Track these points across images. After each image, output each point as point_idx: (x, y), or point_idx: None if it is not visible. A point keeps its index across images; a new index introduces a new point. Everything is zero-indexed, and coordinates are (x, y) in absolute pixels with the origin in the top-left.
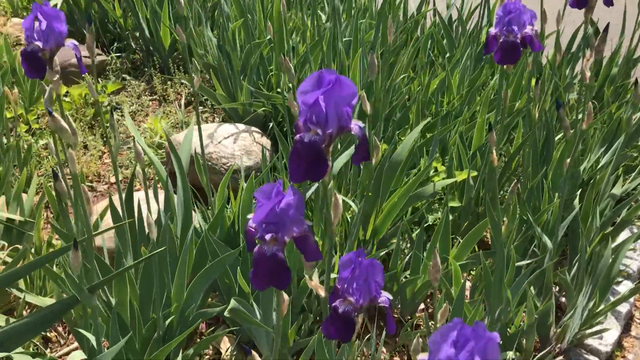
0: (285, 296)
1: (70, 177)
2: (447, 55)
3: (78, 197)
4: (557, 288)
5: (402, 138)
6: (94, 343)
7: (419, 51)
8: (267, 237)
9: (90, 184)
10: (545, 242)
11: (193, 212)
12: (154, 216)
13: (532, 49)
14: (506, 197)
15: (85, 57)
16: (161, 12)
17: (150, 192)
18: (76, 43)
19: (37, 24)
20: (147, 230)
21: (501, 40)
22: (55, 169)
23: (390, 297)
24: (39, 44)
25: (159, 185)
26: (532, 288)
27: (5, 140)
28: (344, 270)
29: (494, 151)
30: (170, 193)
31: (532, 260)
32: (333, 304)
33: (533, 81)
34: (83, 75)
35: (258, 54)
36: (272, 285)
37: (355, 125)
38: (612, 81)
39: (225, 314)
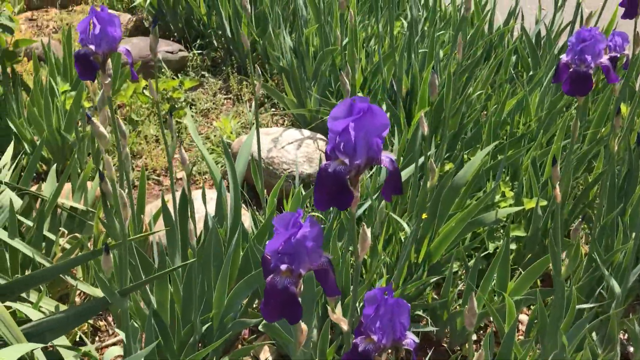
0: (304, 326)
1: (138, 169)
2: (530, 73)
3: (115, 202)
4: (626, 336)
5: (471, 158)
6: (126, 341)
7: (501, 66)
8: (283, 267)
9: (157, 177)
10: (613, 286)
11: (244, 214)
12: (204, 218)
13: (607, 79)
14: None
15: (169, 52)
16: (242, 12)
17: (211, 193)
18: (128, 48)
19: (92, 27)
20: (197, 232)
21: (572, 69)
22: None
23: (417, 340)
24: (92, 47)
25: (211, 186)
26: (594, 334)
27: (81, 129)
28: (369, 307)
29: (557, 187)
30: (223, 196)
31: (597, 305)
32: (354, 341)
33: (624, 108)
34: (163, 70)
35: (330, 61)
36: (283, 317)
37: (386, 157)
38: None
39: (260, 328)
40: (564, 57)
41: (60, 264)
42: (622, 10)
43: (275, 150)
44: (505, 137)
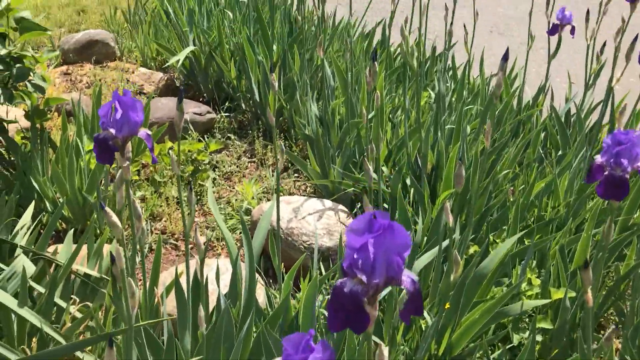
0: None
1: (156, 231)
2: (560, 152)
3: (122, 289)
4: None
5: (497, 241)
6: None
7: (529, 144)
8: None
9: (175, 242)
10: None
11: (260, 287)
12: (221, 292)
13: None
14: (610, 320)
15: (197, 114)
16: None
17: (228, 262)
18: (149, 133)
19: (113, 111)
20: (209, 310)
21: (606, 172)
22: (114, 251)
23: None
24: (113, 131)
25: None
26: None
27: (103, 188)
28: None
29: (589, 292)
30: (238, 274)
31: None
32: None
33: None
34: (190, 132)
35: (355, 132)
36: None
37: (407, 277)
38: None
39: None
40: (598, 158)
41: (67, 345)
42: None
43: (295, 221)
44: (532, 220)
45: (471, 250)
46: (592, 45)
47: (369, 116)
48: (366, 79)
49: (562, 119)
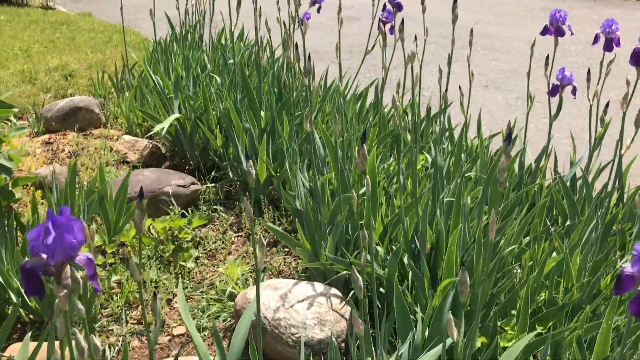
0: None
1: (132, 321)
2: (568, 222)
3: None
4: None
5: (507, 328)
6: None
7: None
8: None
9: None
10: None
11: None
12: None
13: None
14: None
15: (180, 186)
16: (259, 146)
17: None
18: (90, 257)
19: (46, 234)
20: None
21: None
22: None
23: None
24: (44, 256)
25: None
26: None
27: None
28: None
29: None
30: None
31: None
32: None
33: None
34: (172, 207)
35: (347, 207)
36: None
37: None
38: None
39: None
40: (628, 268)
41: None
42: None
43: (282, 310)
44: (543, 303)
45: (478, 343)
46: (597, 105)
47: (360, 192)
48: (356, 160)
49: (568, 184)
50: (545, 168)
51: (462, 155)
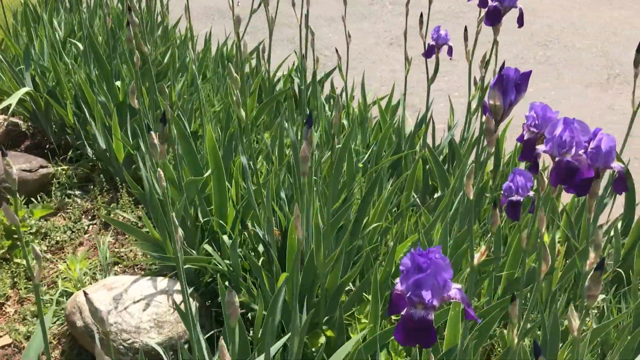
0: None
1: None
2: (437, 194)
3: None
4: None
5: (360, 317)
6: None
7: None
8: None
9: None
10: None
11: None
12: None
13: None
14: None
15: (26, 170)
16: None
17: None
18: None
19: None
20: None
21: (404, 312)
22: None
23: None
24: None
25: None
26: None
27: None
28: None
29: None
30: None
31: None
32: None
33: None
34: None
35: (194, 191)
36: None
37: None
38: None
39: None
40: (398, 286)
41: None
42: None
43: (114, 314)
44: None
45: (320, 340)
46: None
47: (206, 174)
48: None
49: (447, 152)
50: (422, 134)
51: (345, 122)
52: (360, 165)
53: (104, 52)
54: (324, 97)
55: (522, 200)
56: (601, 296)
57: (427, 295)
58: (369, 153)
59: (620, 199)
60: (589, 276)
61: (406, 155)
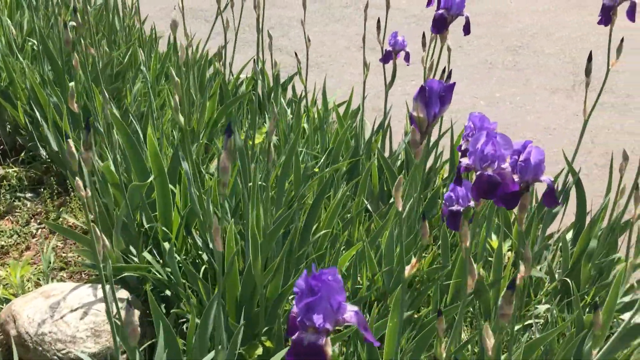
0: None
1: None
2: (392, 201)
3: None
4: None
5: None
6: None
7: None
8: None
9: None
10: None
11: None
12: None
13: None
14: None
15: None
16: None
17: None
18: None
19: None
20: None
21: (295, 336)
22: None
23: None
24: None
25: None
26: None
27: None
28: None
29: None
30: None
31: None
32: None
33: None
34: None
35: (139, 197)
36: None
37: None
38: (590, 256)
39: None
40: (294, 308)
41: None
42: None
43: (49, 323)
44: (348, 296)
45: (259, 350)
46: (432, 72)
47: (149, 180)
48: None
49: (404, 157)
50: (379, 140)
51: (305, 126)
52: (316, 170)
53: (58, 53)
54: (286, 101)
55: (462, 210)
56: (545, 306)
57: (318, 319)
58: (324, 158)
59: (572, 207)
60: (501, 295)
61: (365, 161)
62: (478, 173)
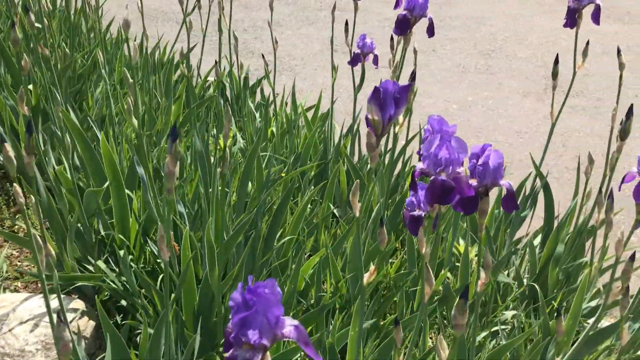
0: None
1: None
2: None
3: None
4: None
5: None
6: None
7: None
8: None
9: None
10: None
11: None
12: None
13: None
14: None
15: None
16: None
17: None
18: None
19: None
20: None
21: (229, 354)
22: None
23: None
24: None
25: None
26: None
27: None
28: None
29: None
30: None
31: None
32: None
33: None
34: None
35: (95, 203)
36: None
37: None
38: (557, 261)
39: None
40: (229, 324)
41: None
42: None
43: None
44: (313, 303)
45: None
46: (395, 74)
47: (104, 185)
48: None
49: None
50: (348, 144)
51: (274, 129)
52: (283, 174)
53: (15, 55)
54: (255, 105)
55: (423, 215)
56: (512, 312)
57: (253, 335)
58: (291, 162)
59: (541, 211)
60: (455, 304)
61: (333, 165)
62: (432, 178)
